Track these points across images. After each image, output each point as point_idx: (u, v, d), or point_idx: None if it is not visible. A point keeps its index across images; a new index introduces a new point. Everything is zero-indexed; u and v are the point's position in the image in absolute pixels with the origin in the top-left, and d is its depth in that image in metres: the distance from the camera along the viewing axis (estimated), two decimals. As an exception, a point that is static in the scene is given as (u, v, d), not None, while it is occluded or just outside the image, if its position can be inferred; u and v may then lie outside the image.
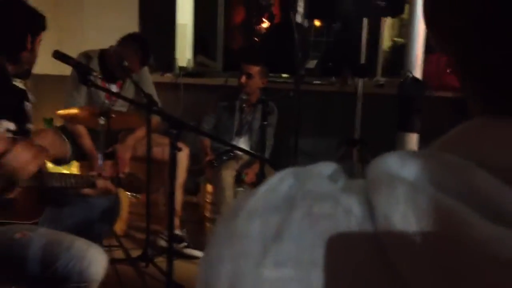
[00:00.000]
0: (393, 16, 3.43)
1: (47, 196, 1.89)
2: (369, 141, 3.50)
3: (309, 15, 4.03)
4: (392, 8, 3.10)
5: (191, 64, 4.47)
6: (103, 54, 3.29)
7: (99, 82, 3.18)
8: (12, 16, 1.94)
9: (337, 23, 3.89)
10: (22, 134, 1.88)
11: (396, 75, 3.58)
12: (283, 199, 0.37)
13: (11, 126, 1.84)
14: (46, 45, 2.10)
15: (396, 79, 3.43)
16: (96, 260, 1.62)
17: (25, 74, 2.03)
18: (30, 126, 1.97)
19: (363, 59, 3.63)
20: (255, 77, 3.44)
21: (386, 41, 4.07)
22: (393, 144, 3.02)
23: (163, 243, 3.35)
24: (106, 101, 3.29)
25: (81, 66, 2.16)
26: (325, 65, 4.23)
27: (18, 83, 2.04)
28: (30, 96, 2.07)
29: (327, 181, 0.39)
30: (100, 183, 1.98)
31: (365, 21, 3.55)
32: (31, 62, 2.02)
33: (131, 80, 3.16)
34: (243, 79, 3.43)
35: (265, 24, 5.26)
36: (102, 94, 3.27)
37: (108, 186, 2.01)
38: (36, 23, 2.00)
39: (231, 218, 0.39)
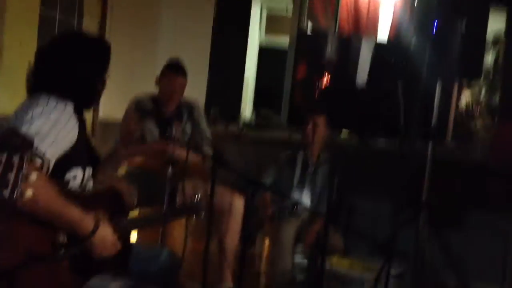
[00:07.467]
0: (469, 79, 3.31)
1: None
2: (437, 206, 3.31)
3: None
4: (467, 70, 2.98)
5: (253, 117, 4.47)
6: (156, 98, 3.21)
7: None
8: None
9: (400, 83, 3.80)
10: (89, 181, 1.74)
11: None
12: None
13: (80, 174, 1.68)
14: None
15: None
16: None
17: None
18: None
19: (434, 121, 3.50)
20: (320, 126, 3.38)
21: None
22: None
23: (215, 297, 3.23)
24: None
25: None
26: (388, 125, 4.13)
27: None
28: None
29: None
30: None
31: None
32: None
33: (192, 122, 3.08)
34: (310, 128, 3.36)
35: (326, 80, 5.26)
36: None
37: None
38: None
39: None
